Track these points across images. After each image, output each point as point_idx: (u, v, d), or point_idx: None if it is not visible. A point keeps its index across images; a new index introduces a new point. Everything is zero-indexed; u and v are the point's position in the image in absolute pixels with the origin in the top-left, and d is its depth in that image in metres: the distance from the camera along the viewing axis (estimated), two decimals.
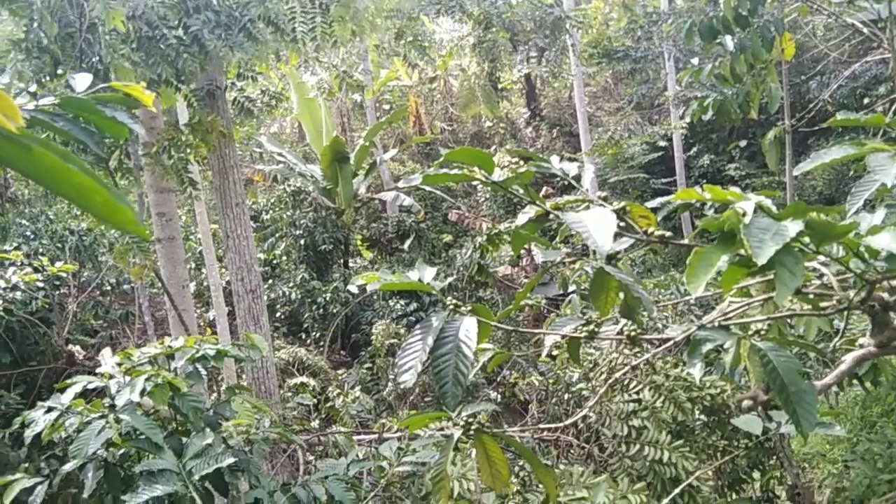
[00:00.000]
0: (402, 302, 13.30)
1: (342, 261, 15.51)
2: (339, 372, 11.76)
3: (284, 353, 10.98)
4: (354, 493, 3.40)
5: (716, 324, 1.97)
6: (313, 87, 17.31)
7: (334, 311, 13.90)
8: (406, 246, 16.62)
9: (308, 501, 3.33)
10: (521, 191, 1.60)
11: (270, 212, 15.84)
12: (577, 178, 1.78)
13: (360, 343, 13.95)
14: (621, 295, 1.76)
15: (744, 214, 1.45)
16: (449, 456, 1.97)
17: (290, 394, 8.29)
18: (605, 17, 21.93)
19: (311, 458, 6.67)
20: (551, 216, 1.66)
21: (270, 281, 14.58)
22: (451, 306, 1.85)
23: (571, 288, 7.14)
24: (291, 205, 15.24)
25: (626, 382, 5.46)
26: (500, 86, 21.20)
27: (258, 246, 14.75)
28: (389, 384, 10.98)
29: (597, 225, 1.40)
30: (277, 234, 15.41)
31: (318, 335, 14.06)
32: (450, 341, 1.79)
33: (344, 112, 21.25)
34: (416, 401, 10.16)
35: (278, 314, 14.26)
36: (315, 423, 6.97)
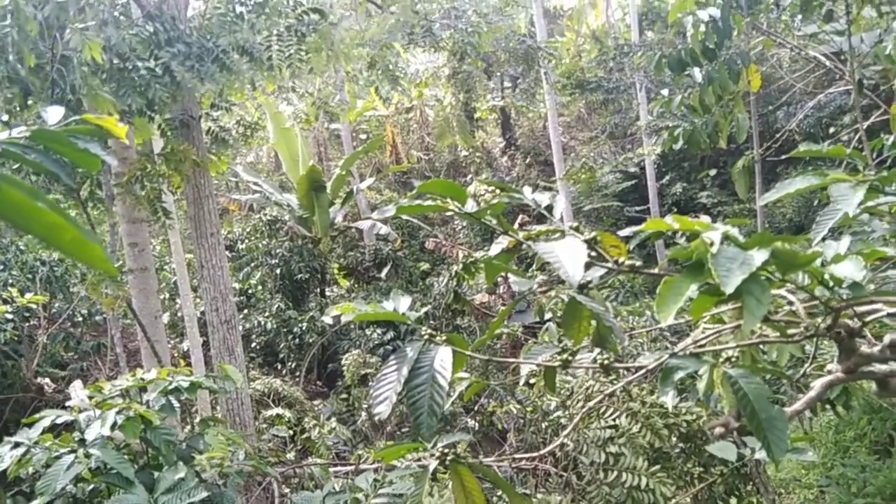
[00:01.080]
0: (378, 331, 13.23)
1: (319, 290, 15.43)
2: (316, 403, 11.63)
3: (260, 384, 10.84)
4: None
5: (688, 351, 2.00)
6: (290, 116, 17.36)
7: (310, 340, 13.78)
8: (383, 274, 16.59)
9: None
10: (494, 221, 1.62)
11: (246, 241, 15.75)
12: (550, 207, 1.81)
13: (336, 373, 13.81)
14: (594, 323, 1.78)
15: (711, 244, 1.48)
16: (425, 488, 1.96)
17: (265, 425, 8.17)
18: (577, 49, 22.36)
19: (287, 490, 6.56)
20: (524, 246, 1.68)
21: (246, 311, 14.44)
22: (427, 336, 1.86)
23: (548, 315, 7.18)
24: (267, 234, 15.17)
25: (602, 409, 5.47)
26: (475, 115, 21.43)
27: (233, 275, 14.61)
28: (364, 415, 10.87)
29: (568, 255, 1.43)
30: (253, 264, 15.31)
31: (293, 365, 13.91)
32: (425, 371, 1.79)
33: (321, 141, 21.29)
34: (393, 431, 10.06)
35: (254, 344, 14.10)
36: (291, 455, 6.87)
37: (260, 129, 10.73)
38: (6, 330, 10.56)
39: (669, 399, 1.68)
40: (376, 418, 1.72)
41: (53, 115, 1.61)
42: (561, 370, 2.72)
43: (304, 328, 13.83)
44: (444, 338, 1.90)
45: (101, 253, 0.70)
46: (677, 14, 5.74)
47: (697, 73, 5.98)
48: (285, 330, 14.03)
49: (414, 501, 1.96)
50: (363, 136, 22.21)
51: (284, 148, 16.08)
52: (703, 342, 2.38)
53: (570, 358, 1.94)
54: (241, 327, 9.25)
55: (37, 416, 3.44)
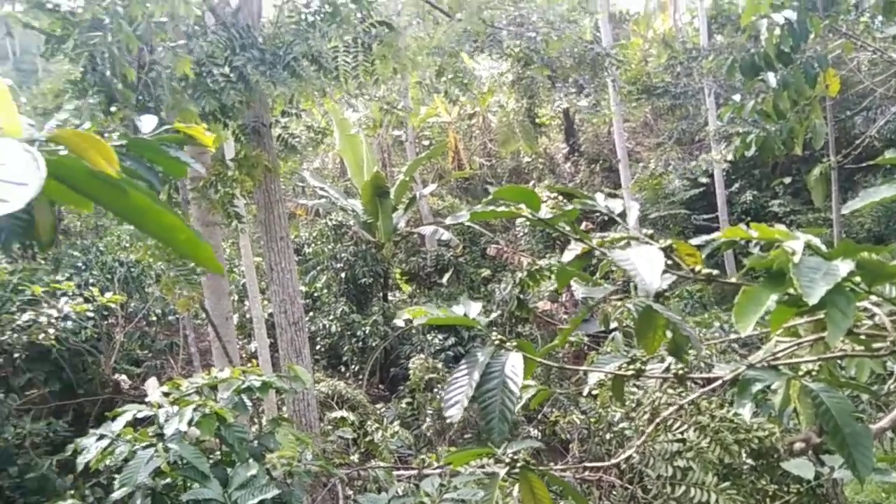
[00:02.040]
0: (440, 336, 13.30)
1: (381, 294, 15.61)
2: (378, 406, 11.76)
3: (324, 386, 11.03)
4: None
5: (764, 364, 1.95)
6: (355, 123, 17.67)
7: (373, 344, 13.96)
8: (444, 280, 16.68)
9: None
10: (567, 228, 1.62)
11: (312, 245, 16.07)
12: (623, 214, 1.80)
13: (398, 377, 13.94)
14: (668, 333, 1.76)
15: (793, 253, 1.45)
16: (494, 494, 1.97)
17: (329, 427, 8.31)
18: (644, 54, 21.99)
19: (351, 492, 6.66)
20: (597, 253, 1.68)
21: (311, 313, 14.73)
22: (497, 342, 1.87)
23: (613, 325, 7.07)
24: (333, 238, 15.45)
25: (669, 422, 5.35)
26: (538, 122, 21.34)
27: (300, 279, 14.94)
28: (427, 419, 10.93)
29: (645, 263, 1.42)
30: (318, 268, 15.61)
31: (357, 368, 14.11)
32: (496, 377, 1.80)
33: (384, 148, 21.58)
34: (455, 437, 10.08)
35: (318, 347, 14.37)
36: (355, 457, 6.97)
37: (327, 135, 10.95)
38: (87, 328, 11.08)
39: (747, 412, 1.64)
40: (448, 421, 1.76)
41: (147, 124, 1.70)
42: (628, 381, 2.68)
43: (367, 332, 14.02)
44: (514, 344, 1.90)
45: (211, 253, 0.75)
46: (751, 17, 5.59)
47: (772, 78, 5.81)
48: (349, 333, 14.25)
49: None
50: (426, 143, 22.41)
51: (350, 154, 16.36)
52: (779, 355, 2.32)
53: (642, 367, 1.92)
54: (307, 329, 9.45)
55: (119, 410, 3.60)
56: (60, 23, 6.56)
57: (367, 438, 7.99)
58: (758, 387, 1.68)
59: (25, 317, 9.69)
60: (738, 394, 1.64)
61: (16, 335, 9.79)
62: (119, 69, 5.53)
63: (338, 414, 8.74)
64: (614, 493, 5.87)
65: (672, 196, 18.42)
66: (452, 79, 10.73)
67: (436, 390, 11.36)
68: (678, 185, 18.35)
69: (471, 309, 2.03)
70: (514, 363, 1.81)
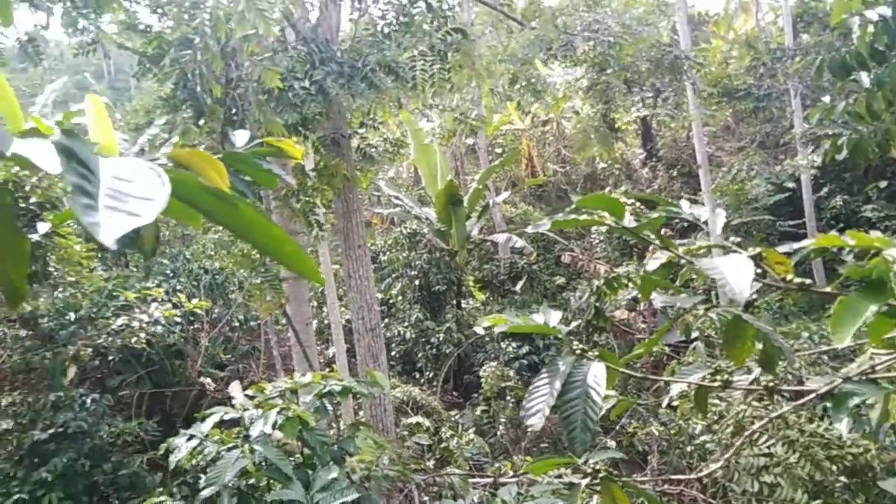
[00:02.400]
0: (514, 344, 13.24)
1: (455, 301, 15.69)
2: (452, 413, 11.80)
3: (399, 392, 11.16)
4: None
5: (862, 377, 1.87)
6: (429, 133, 17.85)
7: (447, 351, 14.03)
8: (518, 288, 16.61)
9: None
10: (652, 236, 1.60)
11: (387, 253, 16.32)
12: (707, 222, 1.76)
13: (472, 384, 13.96)
14: (757, 344, 1.71)
15: (894, 262, 1.38)
16: (576, 502, 1.95)
17: (405, 432, 8.40)
18: (724, 56, 21.34)
19: (426, 498, 6.71)
20: (682, 262, 1.64)
21: (386, 320, 14.94)
22: (578, 351, 1.86)
23: (693, 335, 6.88)
24: (407, 246, 15.64)
25: (755, 436, 5.17)
26: (615, 127, 21.01)
27: (376, 286, 15.20)
28: (501, 427, 10.90)
29: (734, 272, 1.38)
30: (393, 275, 15.83)
31: (431, 375, 14.21)
32: (578, 386, 1.79)
33: (458, 156, 21.70)
34: (529, 446, 10.01)
35: (393, 353, 14.55)
36: (430, 463, 7.02)
37: (403, 145, 11.11)
38: (175, 332, 11.59)
39: (844, 427, 1.57)
40: (529, 430, 1.74)
41: (241, 138, 1.78)
42: (712, 392, 2.61)
43: (441, 339, 14.11)
44: (596, 353, 1.89)
45: (313, 265, 0.78)
46: (841, 15, 5.36)
47: (865, 78, 5.54)
48: (423, 340, 14.38)
49: None
50: (499, 150, 22.40)
51: (424, 163, 16.54)
52: (877, 368, 2.21)
53: (730, 379, 1.87)
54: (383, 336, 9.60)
55: (207, 412, 3.75)
56: (152, 43, 6.93)
57: (442, 445, 8.03)
58: (855, 401, 1.61)
59: (119, 321, 10.22)
60: (834, 408, 1.57)
61: (110, 338, 10.34)
62: (207, 85, 5.79)
63: (413, 420, 8.83)
64: None
65: (755, 202, 17.76)
66: (526, 86, 10.73)
67: (509, 398, 11.31)
68: (762, 190, 17.69)
69: (550, 317, 2.03)
70: (596, 373, 1.79)
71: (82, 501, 9.54)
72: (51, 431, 9.80)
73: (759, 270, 1.65)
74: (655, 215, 1.57)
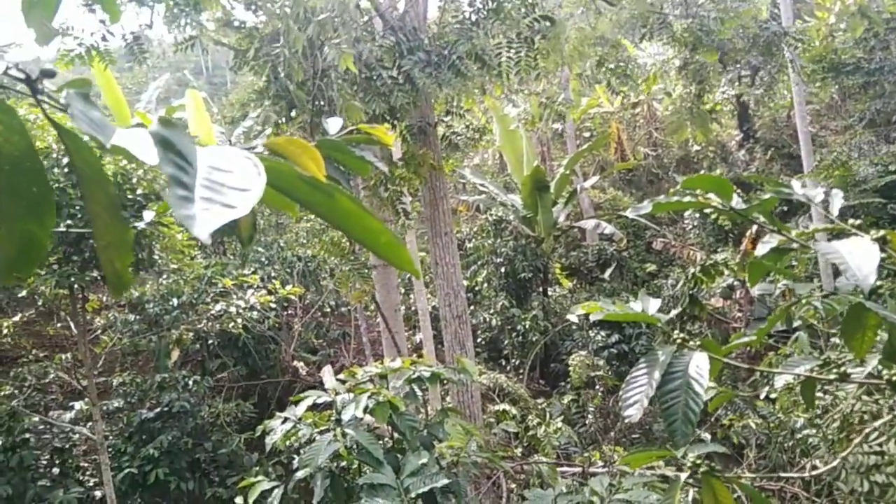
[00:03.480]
0: (602, 333, 12.99)
1: (541, 289, 15.53)
2: (539, 401, 11.71)
3: (485, 379, 11.16)
4: None
5: None
6: (514, 118, 17.68)
7: (533, 339, 13.92)
8: (606, 275, 16.27)
9: None
10: (762, 218, 1.50)
11: (473, 240, 16.32)
12: (826, 203, 1.63)
13: (558, 373, 13.81)
14: (882, 334, 1.57)
15: None
16: (676, 496, 1.87)
17: (491, 419, 8.40)
18: (829, 29, 20.06)
19: (513, 486, 6.69)
20: (795, 246, 1.53)
21: (472, 307, 14.96)
22: (679, 340, 1.77)
23: (795, 323, 6.52)
24: (493, 233, 15.59)
25: (865, 432, 4.85)
26: (709, 107, 20.15)
27: (461, 273, 15.24)
28: (589, 417, 10.73)
29: (858, 256, 1.27)
30: (479, 262, 15.83)
31: (517, 362, 14.15)
32: (679, 377, 1.71)
33: (544, 141, 21.41)
34: (618, 436, 9.81)
35: (479, 340, 14.57)
36: (517, 451, 6.99)
37: (488, 132, 11.05)
38: (269, 318, 12.02)
39: None
40: (626, 421, 1.68)
41: (334, 125, 1.79)
42: (819, 386, 2.44)
43: (527, 326, 14.01)
44: (698, 343, 1.80)
45: (409, 256, 0.76)
46: None
47: None
48: (509, 327, 14.32)
49: None
50: (587, 134, 21.94)
51: (509, 149, 16.39)
52: None
53: (847, 371, 1.74)
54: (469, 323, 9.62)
55: (301, 395, 3.84)
56: (246, 39, 7.15)
57: (530, 433, 7.98)
58: None
59: (218, 307, 10.68)
60: None
61: (210, 323, 10.83)
62: (295, 77, 5.92)
63: (500, 407, 8.82)
64: (797, 503, 5.43)
65: (863, 183, 16.66)
66: (614, 69, 10.42)
67: (598, 387, 11.12)
68: (871, 171, 16.57)
69: (649, 305, 1.95)
70: (698, 363, 1.70)
71: (185, 477, 10.07)
72: (157, 410, 10.39)
73: (883, 255, 1.52)
74: (766, 196, 1.47)
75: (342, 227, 0.77)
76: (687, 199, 1.47)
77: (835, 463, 3.40)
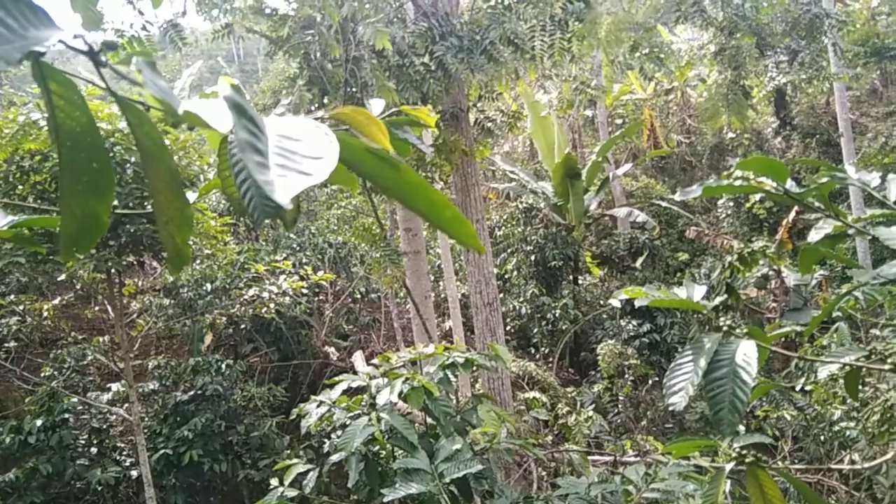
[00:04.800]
0: (634, 322, 12.87)
1: (572, 277, 15.44)
2: (568, 389, 11.67)
3: (515, 367, 11.15)
4: None
5: None
6: (546, 104, 17.52)
7: (563, 327, 13.87)
8: (638, 264, 16.10)
9: None
10: (818, 203, 1.45)
11: (503, 228, 16.26)
12: (882, 189, 1.58)
13: (588, 362, 13.74)
14: None
15: None
16: (720, 487, 1.84)
17: (522, 407, 8.40)
18: (872, 12, 19.52)
19: (544, 473, 6.68)
20: (851, 231, 1.49)
21: (501, 295, 14.93)
22: (726, 327, 1.74)
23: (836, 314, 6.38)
24: (523, 221, 15.51)
25: None
26: (746, 93, 19.74)
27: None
28: (620, 406, 10.67)
29: None
30: (509, 250, 15.77)
31: (546, 351, 14.11)
32: (725, 365, 1.67)
33: (575, 128, 21.21)
34: (650, 426, 9.74)
35: (508, 328, 14.55)
36: (548, 439, 6.98)
37: (520, 118, 10.96)
38: (301, 303, 12.12)
39: None
40: (670, 409, 1.65)
41: (376, 107, 1.77)
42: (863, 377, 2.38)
43: (556, 314, 13.96)
44: (745, 330, 1.76)
45: (474, 231, 0.74)
46: None
47: None
48: (538, 315, 14.27)
49: (709, 502, 1.86)
50: (619, 121, 21.68)
51: (541, 136, 16.26)
52: None
53: None
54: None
55: (335, 379, 3.86)
56: (278, 25, 7.16)
57: (560, 421, 7.96)
58: None
59: (251, 292, 10.81)
60: None
61: (243, 308, 10.97)
62: (331, 52, 5.92)
63: (530, 395, 8.81)
64: (835, 498, 5.34)
65: None
66: (648, 54, 10.25)
67: (628, 376, 11.03)
68: None
69: (694, 292, 1.91)
70: (746, 351, 1.67)
71: (218, 459, 10.24)
72: (191, 393, 10.56)
73: None
74: (823, 180, 1.42)
75: (407, 200, 0.75)
76: (738, 182, 1.43)
77: (887, 457, 3.32)
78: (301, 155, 0.66)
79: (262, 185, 0.61)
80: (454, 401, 4.92)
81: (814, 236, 1.49)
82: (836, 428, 6.17)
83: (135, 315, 11.97)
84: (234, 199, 1.71)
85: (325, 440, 4.40)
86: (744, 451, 1.85)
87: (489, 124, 8.86)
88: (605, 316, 14.44)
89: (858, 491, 4.92)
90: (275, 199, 0.61)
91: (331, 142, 0.69)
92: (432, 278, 14.77)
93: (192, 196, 3.23)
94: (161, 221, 0.74)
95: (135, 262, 9.16)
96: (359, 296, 14.12)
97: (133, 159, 7.46)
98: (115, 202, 7.02)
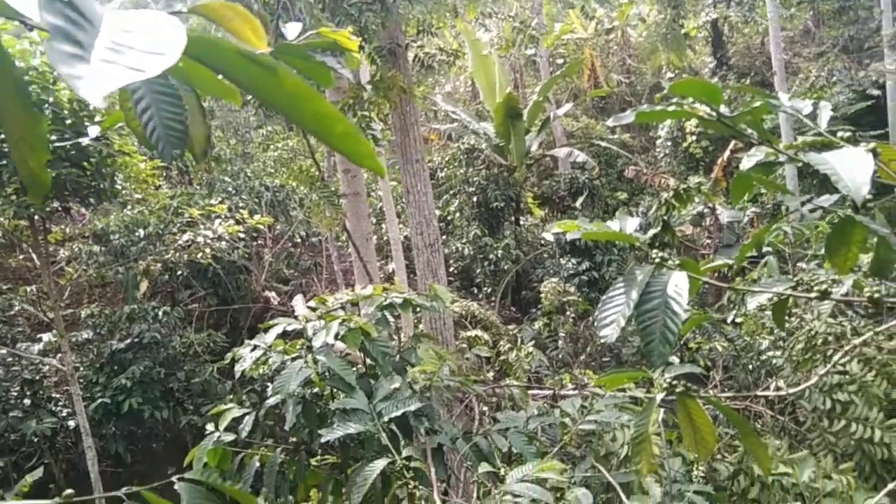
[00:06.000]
0: (574, 261, 13.08)
1: (513, 218, 15.53)
2: (510, 327, 11.86)
3: (457, 307, 11.22)
4: (534, 446, 3.39)
5: None
6: (487, 43, 17.24)
7: (505, 267, 14.00)
8: (578, 204, 16.29)
9: (489, 451, 3.37)
10: (750, 130, 1.42)
11: (445, 169, 16.15)
12: (814, 116, 1.56)
13: (530, 300, 13.97)
14: (865, 258, 1.53)
15: None
16: (651, 417, 1.86)
17: (464, 345, 8.48)
18: None
19: (486, 409, 6.80)
20: (782, 159, 1.47)
21: (444, 237, 14.93)
22: (658, 259, 1.72)
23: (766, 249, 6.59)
24: (465, 162, 15.42)
25: (828, 353, 4.97)
26: (683, 32, 19.86)
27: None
28: (560, 342, 10.91)
29: (850, 167, 1.21)
30: (451, 192, 15.71)
31: (489, 290, 14.26)
32: (657, 297, 1.66)
33: (517, 68, 21.00)
34: (589, 360, 10.01)
35: (451, 269, 14.61)
36: (490, 376, 7.08)
37: (460, 57, 10.73)
38: (239, 248, 11.86)
39: None
40: (602, 342, 1.65)
41: (292, 30, 1.65)
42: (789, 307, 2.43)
43: (499, 255, 14.07)
44: (677, 262, 1.75)
45: (371, 149, 0.66)
46: None
47: None
48: (481, 256, 14.36)
49: (639, 431, 1.88)
50: (560, 61, 21.55)
51: (482, 76, 16.05)
52: None
53: (828, 290, 1.71)
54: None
55: (270, 323, 3.78)
56: None
57: (501, 358, 8.08)
58: None
59: (185, 237, 10.49)
60: None
61: (178, 254, 10.65)
62: None
63: (472, 333, 8.90)
64: (761, 422, 5.60)
65: (834, 111, 16.71)
66: None
67: (569, 313, 11.26)
68: (842, 98, 16.61)
69: (627, 224, 1.89)
70: (677, 283, 1.66)
71: (159, 406, 10.10)
72: (127, 341, 10.31)
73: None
74: (757, 104, 1.39)
75: (289, 112, 0.66)
76: (672, 108, 1.38)
77: (810, 383, 3.46)
78: (136, 49, 0.57)
79: (69, 79, 0.51)
80: (395, 342, 4.91)
81: (746, 164, 1.47)
82: (764, 357, 6.45)
83: (63, 263, 11.50)
84: (138, 132, 1.57)
85: (269, 384, 4.34)
86: (674, 382, 1.87)
87: (429, 61, 8.65)
88: (545, 255, 14.62)
89: (783, 415, 5.16)
90: (81, 95, 0.52)
91: (177, 37, 0.59)
92: (374, 220, 14.63)
93: (95, 130, 3.03)
94: (11, 141, 0.64)
95: (60, 208, 8.74)
96: (299, 240, 13.90)
97: (51, 99, 7.02)
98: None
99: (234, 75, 0.67)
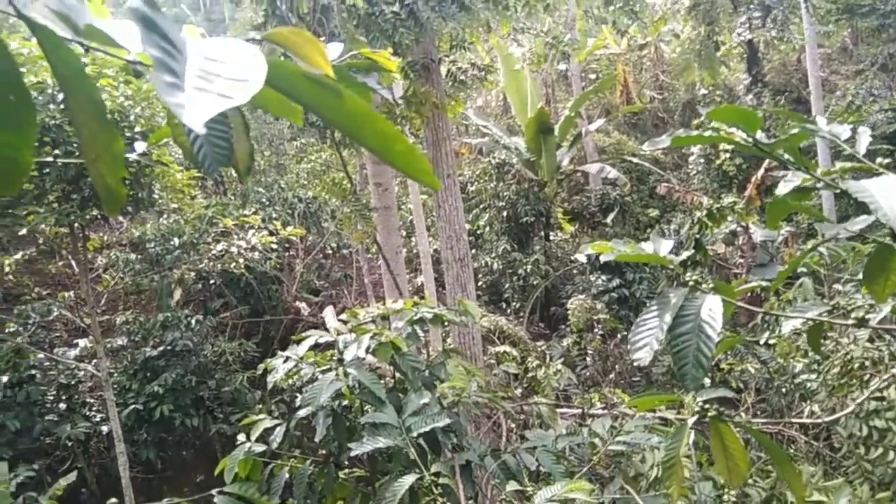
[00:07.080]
0: (603, 277, 12.99)
1: (543, 233, 15.49)
2: (539, 343, 11.81)
3: (486, 321, 11.22)
4: (563, 466, 3.37)
5: None
6: (519, 58, 17.30)
7: (534, 282, 13.96)
8: (609, 220, 16.18)
9: (517, 469, 3.36)
10: (787, 156, 1.42)
11: (475, 184, 16.18)
12: (852, 141, 1.55)
13: (558, 316, 13.88)
14: None
15: None
16: (683, 441, 1.85)
17: (492, 361, 8.47)
18: None
19: (513, 426, 6.78)
20: (819, 185, 1.46)
21: (473, 251, 14.94)
22: (692, 283, 1.72)
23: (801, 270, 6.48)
24: (495, 177, 15.44)
25: (865, 378, 4.87)
26: (719, 49, 19.72)
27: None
28: (589, 359, 10.83)
29: (889, 195, 1.20)
30: (481, 206, 15.73)
31: (517, 306, 14.22)
32: (690, 320, 1.66)
33: (549, 83, 21.01)
34: (618, 379, 9.91)
35: (480, 283, 14.61)
36: (517, 392, 7.06)
37: (493, 71, 10.78)
38: (271, 258, 12.00)
39: None
40: (635, 364, 1.64)
41: (334, 50, 1.69)
42: (825, 331, 2.40)
43: (528, 270, 14.03)
44: (711, 285, 1.75)
45: (428, 167, 0.69)
46: None
47: None
48: (510, 271, 14.34)
49: (670, 454, 1.87)
50: (592, 76, 21.52)
51: (514, 90, 16.09)
52: None
53: (866, 316, 1.69)
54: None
55: (303, 335, 3.83)
56: None
57: (530, 374, 8.05)
58: None
59: (219, 247, 10.64)
60: None
61: (211, 263, 10.82)
62: (296, 6, 5.73)
63: (501, 348, 8.88)
64: (795, 448, 5.49)
65: (873, 130, 16.41)
66: (622, 7, 10.13)
67: (597, 330, 11.18)
68: (880, 117, 16.31)
69: (661, 247, 1.89)
70: (711, 306, 1.66)
71: (190, 414, 10.22)
72: (160, 349, 10.47)
73: None
74: (794, 131, 1.39)
75: (352, 131, 0.70)
76: (709, 133, 1.39)
77: (847, 411, 3.39)
78: (223, 77, 0.60)
79: (172, 107, 0.55)
80: (424, 356, 4.92)
81: (782, 189, 1.47)
82: (798, 380, 6.33)
83: (101, 270, 11.76)
84: (185, 147, 1.62)
85: (297, 395, 4.38)
86: (707, 405, 1.86)
87: (462, 76, 8.71)
88: (575, 271, 14.55)
89: (818, 441, 5.06)
90: (184, 121, 0.56)
91: (258, 64, 0.63)
92: (404, 234, 14.70)
93: (141, 147, 3.11)
94: (89, 160, 0.68)
95: (99, 216, 8.95)
96: (330, 251, 14.02)
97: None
98: (77, 154, 6.78)
99: (300, 97, 0.71)
